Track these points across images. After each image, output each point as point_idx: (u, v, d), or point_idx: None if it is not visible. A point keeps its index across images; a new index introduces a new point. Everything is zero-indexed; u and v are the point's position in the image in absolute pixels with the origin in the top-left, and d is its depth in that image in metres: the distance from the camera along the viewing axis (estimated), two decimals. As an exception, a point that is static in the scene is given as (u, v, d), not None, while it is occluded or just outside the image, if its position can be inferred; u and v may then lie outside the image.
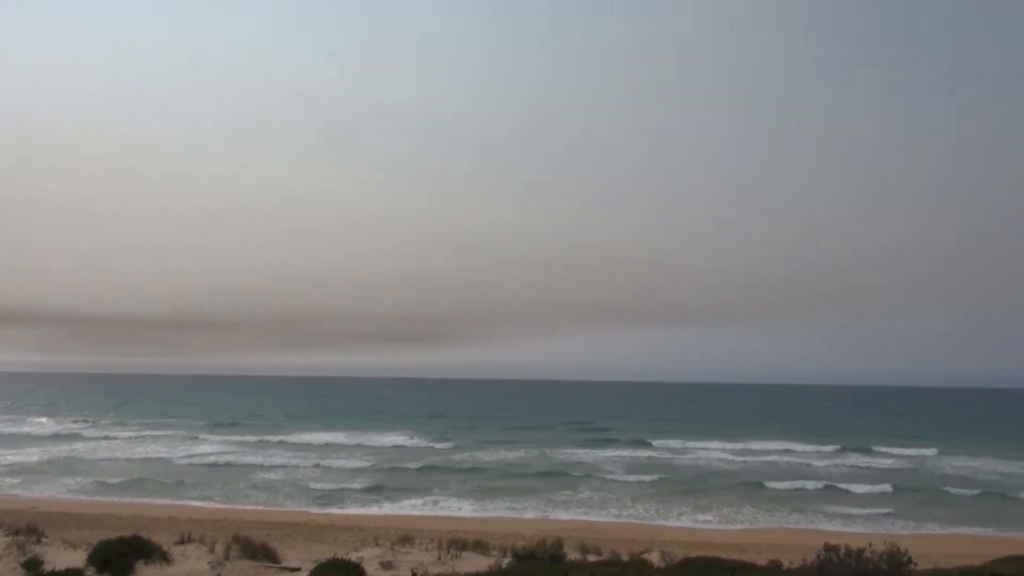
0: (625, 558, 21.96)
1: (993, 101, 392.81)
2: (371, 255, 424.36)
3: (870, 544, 13.78)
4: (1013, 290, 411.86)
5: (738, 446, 64.93)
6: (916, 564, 14.31)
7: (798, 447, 64.70)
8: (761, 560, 19.07)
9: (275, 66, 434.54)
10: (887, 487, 42.71)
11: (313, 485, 41.73)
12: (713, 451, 61.79)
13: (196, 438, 67.07)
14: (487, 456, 56.61)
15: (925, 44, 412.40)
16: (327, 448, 60.79)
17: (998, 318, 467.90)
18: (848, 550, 13.77)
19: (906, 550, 13.79)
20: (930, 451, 62.71)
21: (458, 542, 20.01)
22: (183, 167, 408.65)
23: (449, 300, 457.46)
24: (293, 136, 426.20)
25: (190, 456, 54.09)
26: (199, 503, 36.08)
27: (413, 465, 50.69)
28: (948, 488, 42.70)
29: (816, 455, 59.90)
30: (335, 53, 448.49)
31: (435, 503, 37.14)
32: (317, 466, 49.53)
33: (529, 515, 34.60)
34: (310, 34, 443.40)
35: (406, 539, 20.56)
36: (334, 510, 34.92)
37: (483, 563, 17.81)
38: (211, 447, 60.35)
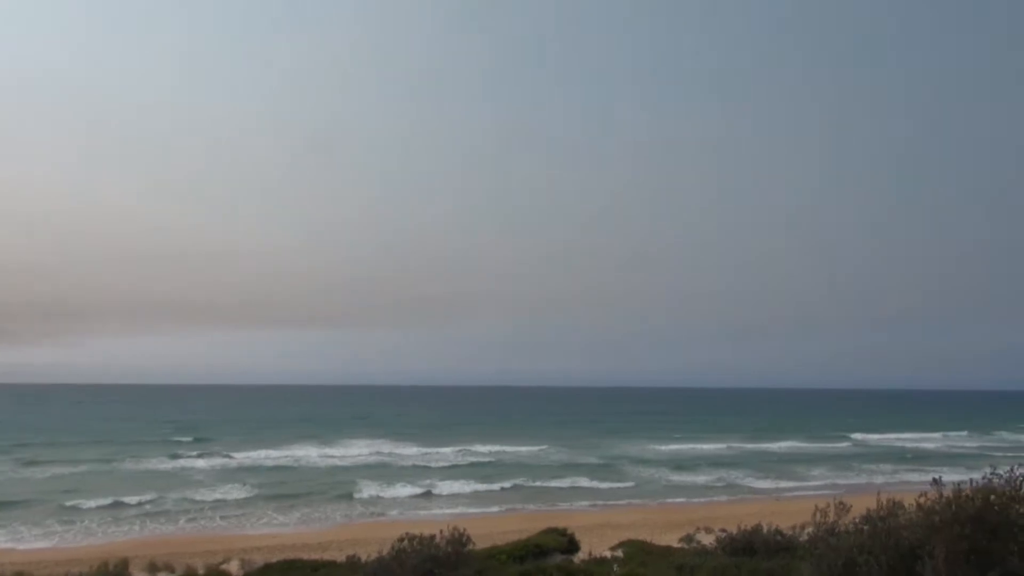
0: (201, 572, 20.63)
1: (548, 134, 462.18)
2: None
3: (441, 531, 15.06)
4: (569, 299, 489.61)
5: (332, 449, 65.72)
6: (475, 544, 16.06)
7: (388, 447, 67.89)
8: (341, 556, 19.51)
9: None
10: (474, 483, 46.30)
11: None
12: (304, 454, 61.61)
13: None
14: (39, 473, 48.47)
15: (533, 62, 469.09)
16: None
17: (554, 325, 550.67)
18: (420, 538, 14.85)
19: (465, 530, 15.36)
20: (541, 446, 70.28)
21: (-15, 577, 16.66)
22: None
23: (18, 290, 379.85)
24: None
25: None
26: None
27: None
28: (525, 479, 48.30)
29: (416, 455, 63.02)
30: None
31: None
32: None
33: (89, 538, 30.42)
34: None
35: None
36: None
37: (19, 598, 15.10)
38: None
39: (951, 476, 9.08)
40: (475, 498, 41.87)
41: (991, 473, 8.29)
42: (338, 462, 57.83)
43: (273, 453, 62.57)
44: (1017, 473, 8.16)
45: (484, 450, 66.88)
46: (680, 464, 58.58)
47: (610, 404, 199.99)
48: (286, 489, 43.12)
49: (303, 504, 38.12)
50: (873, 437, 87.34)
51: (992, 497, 8.09)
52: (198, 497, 40.08)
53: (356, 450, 66.14)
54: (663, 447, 72.82)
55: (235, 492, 41.73)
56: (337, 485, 45.00)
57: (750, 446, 75.38)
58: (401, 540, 14.70)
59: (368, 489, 43.50)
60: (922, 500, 8.48)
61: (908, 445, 78.53)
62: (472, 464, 57.10)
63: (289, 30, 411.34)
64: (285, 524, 33.40)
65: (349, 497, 41.06)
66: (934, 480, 8.56)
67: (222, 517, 34.77)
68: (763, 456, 66.56)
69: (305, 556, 21.11)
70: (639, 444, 75.50)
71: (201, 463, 55.72)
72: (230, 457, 59.86)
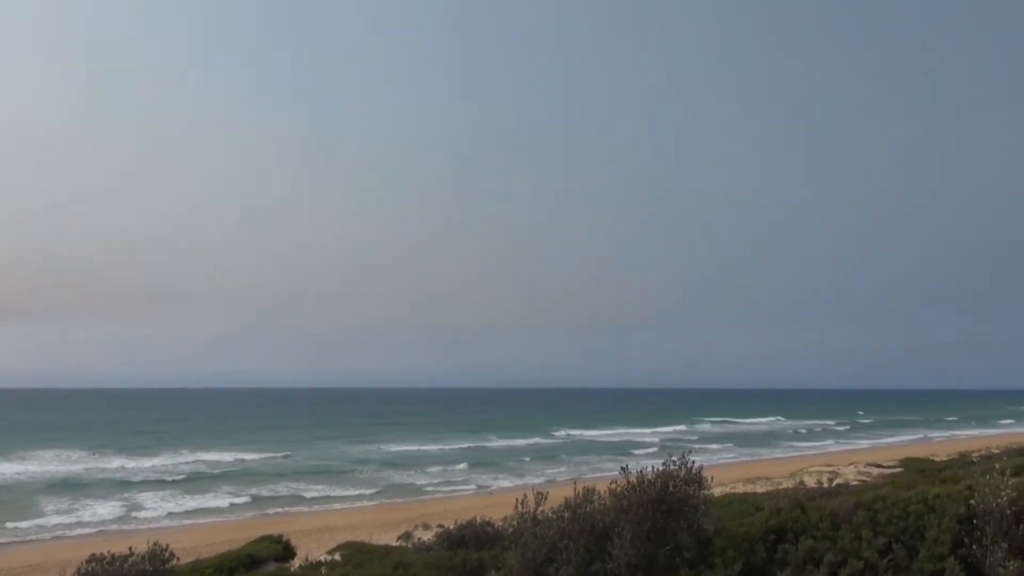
0: None
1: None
2: None
3: (131, 548, 13.58)
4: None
5: (9, 464, 56.86)
6: (180, 559, 14.68)
7: (86, 460, 60.70)
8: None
9: None
10: (186, 495, 42.61)
11: None
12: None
13: None
14: None
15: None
16: None
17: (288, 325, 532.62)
18: (112, 557, 13.28)
19: (168, 546, 14.00)
20: (273, 453, 66.01)
21: None
22: None
23: None
24: None
25: None
26: None
27: None
28: (242, 487, 45.57)
29: (120, 468, 56.56)
30: None
31: None
32: None
33: None
34: None
35: None
36: None
37: None
38: None
39: (655, 463, 9.92)
40: (187, 513, 38.48)
41: (670, 459, 9.29)
42: (17, 478, 49.92)
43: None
44: (689, 460, 9.26)
45: (205, 458, 62.32)
46: (407, 464, 59.22)
47: (353, 405, 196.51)
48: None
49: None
50: (594, 433, 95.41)
51: (670, 482, 9.09)
52: None
53: (41, 465, 57.34)
54: (397, 448, 73.20)
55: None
56: (11, 505, 38.76)
57: (487, 444, 78.20)
58: (89, 562, 13.11)
59: (52, 508, 38.01)
60: (613, 487, 9.29)
61: (625, 439, 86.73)
62: (188, 475, 52.36)
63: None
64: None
65: (26, 518, 35.36)
66: (622, 469, 9.42)
67: None
68: (490, 453, 69.57)
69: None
70: (375, 446, 75.10)
71: None
72: None
